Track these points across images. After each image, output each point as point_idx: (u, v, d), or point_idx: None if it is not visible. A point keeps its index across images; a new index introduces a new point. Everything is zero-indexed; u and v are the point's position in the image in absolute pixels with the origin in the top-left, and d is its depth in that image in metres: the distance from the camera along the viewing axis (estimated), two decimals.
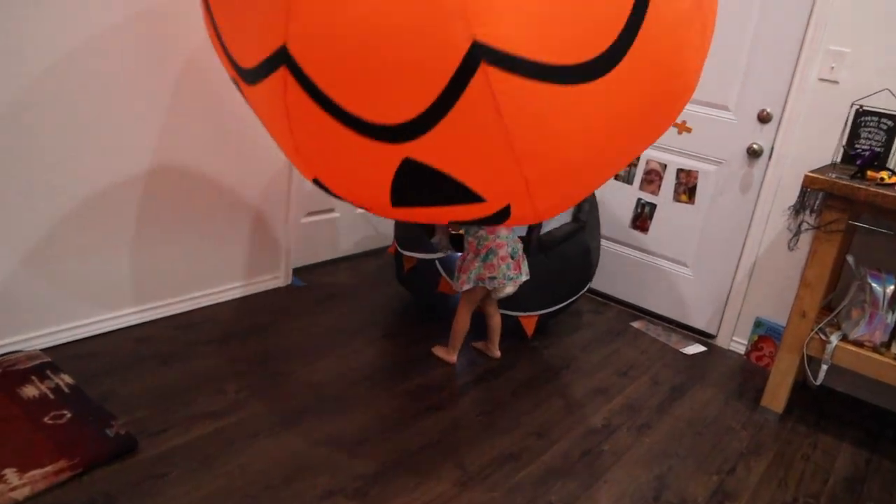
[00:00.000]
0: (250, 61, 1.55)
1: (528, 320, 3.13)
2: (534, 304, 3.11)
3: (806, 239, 3.20)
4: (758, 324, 3.46)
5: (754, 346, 3.48)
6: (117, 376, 2.46)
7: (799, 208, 3.05)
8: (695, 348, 3.53)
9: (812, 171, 2.73)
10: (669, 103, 1.65)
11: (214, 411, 2.37)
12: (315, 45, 1.38)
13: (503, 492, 2.21)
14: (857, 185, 2.60)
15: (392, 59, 1.34)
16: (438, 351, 3.00)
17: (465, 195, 1.58)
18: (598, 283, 3.95)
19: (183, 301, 3.02)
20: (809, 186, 2.71)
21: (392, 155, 1.50)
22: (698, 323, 3.67)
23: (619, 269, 3.89)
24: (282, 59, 1.44)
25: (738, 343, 3.55)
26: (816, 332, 2.82)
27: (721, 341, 3.59)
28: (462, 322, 2.92)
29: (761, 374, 3.30)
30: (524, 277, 2.82)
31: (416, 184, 1.57)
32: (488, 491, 2.21)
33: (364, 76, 1.37)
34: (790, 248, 3.24)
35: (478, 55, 1.28)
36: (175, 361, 2.63)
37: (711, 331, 3.63)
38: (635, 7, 1.38)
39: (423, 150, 1.46)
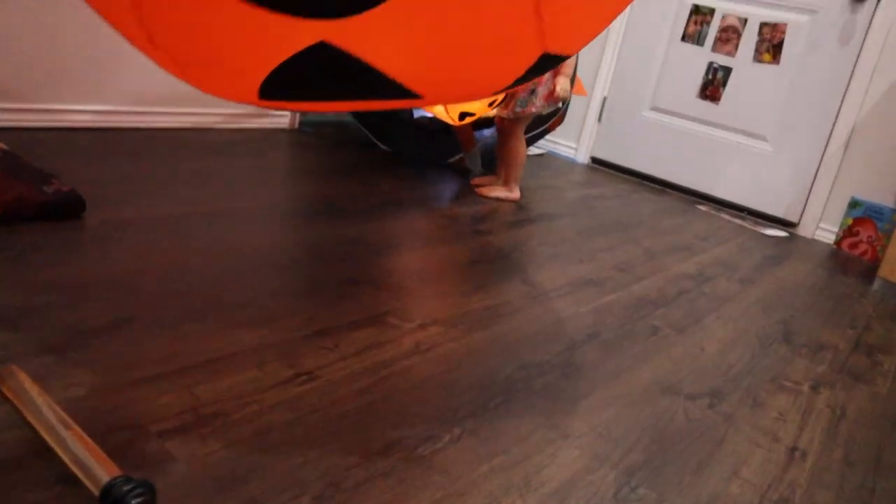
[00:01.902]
0: None
1: None
2: None
3: None
4: (854, 204, 2.88)
5: (848, 232, 2.89)
6: (73, 159, 1.83)
7: None
8: (775, 231, 2.94)
9: None
10: None
11: (194, 197, 1.75)
12: None
13: (590, 309, 1.61)
14: None
15: None
16: (494, 190, 2.39)
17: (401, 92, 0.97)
18: (655, 165, 3.36)
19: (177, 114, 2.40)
20: None
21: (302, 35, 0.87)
22: (776, 210, 3.08)
23: (680, 150, 3.29)
24: None
25: (825, 231, 2.96)
26: None
27: (804, 229, 3.01)
28: (523, 150, 2.34)
29: (859, 262, 2.72)
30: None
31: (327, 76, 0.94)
32: (571, 306, 1.60)
33: None
34: None
35: None
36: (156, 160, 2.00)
37: (793, 218, 3.04)
38: None
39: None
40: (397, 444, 0.97)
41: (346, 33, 0.88)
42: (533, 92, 2.23)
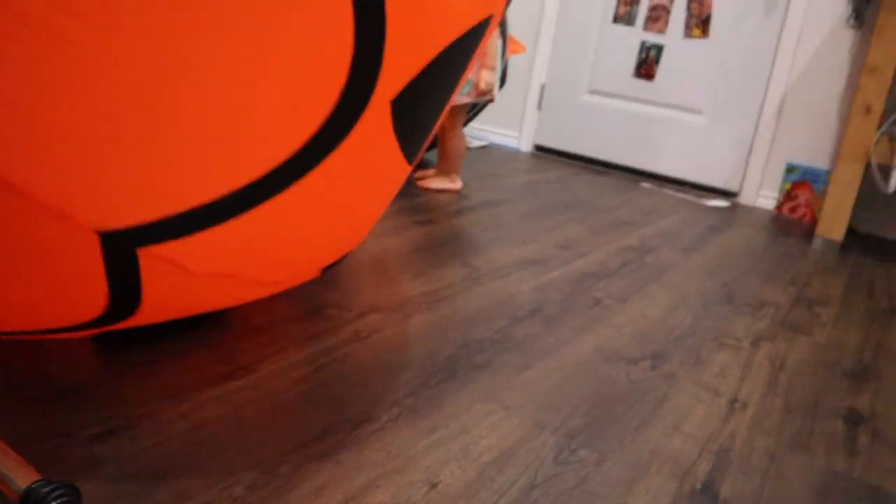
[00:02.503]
0: None
1: None
2: None
3: (842, 40, 2.71)
4: (790, 169, 2.95)
5: (787, 196, 2.96)
6: None
7: None
8: (717, 201, 3.00)
9: None
10: None
11: None
12: None
13: (531, 287, 1.62)
14: None
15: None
16: (435, 182, 2.39)
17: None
18: (596, 147, 3.39)
19: None
20: None
21: None
22: (717, 181, 3.14)
23: (619, 129, 3.33)
24: None
25: (766, 198, 3.03)
26: (884, 133, 2.31)
27: (746, 198, 3.07)
28: (462, 140, 2.35)
29: (799, 226, 2.78)
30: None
31: None
32: (513, 285, 1.61)
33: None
34: (851, 27, 2.67)
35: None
36: None
37: (733, 188, 3.10)
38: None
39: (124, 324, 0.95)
40: (334, 428, 0.96)
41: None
42: (468, 82, 2.24)
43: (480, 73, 2.22)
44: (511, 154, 3.41)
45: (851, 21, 2.63)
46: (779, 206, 2.98)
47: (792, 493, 0.97)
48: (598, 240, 2.10)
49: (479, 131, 3.66)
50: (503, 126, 3.61)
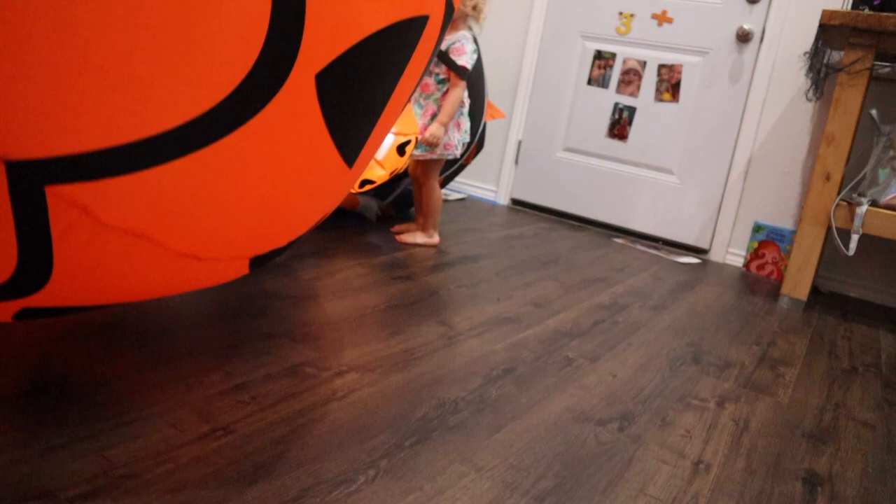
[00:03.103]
0: None
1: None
2: None
3: (805, 112, 2.84)
4: (757, 228, 3.06)
5: (754, 254, 3.06)
6: None
7: (814, 53, 2.67)
8: (688, 258, 3.09)
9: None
10: None
11: None
12: None
13: (505, 346, 1.67)
14: (885, 14, 2.25)
15: None
16: (412, 237, 2.45)
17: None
18: (572, 203, 3.49)
19: None
20: (829, 22, 2.34)
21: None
22: (688, 238, 3.23)
23: (594, 187, 3.43)
24: None
25: (734, 255, 3.13)
26: (843, 199, 2.42)
27: (715, 255, 3.17)
28: (438, 194, 2.43)
29: (766, 283, 2.88)
30: (467, 137, 2.42)
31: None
32: (487, 344, 1.66)
33: None
34: (809, 99, 2.81)
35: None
36: None
37: (703, 245, 3.20)
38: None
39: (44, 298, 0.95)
40: (312, 490, 0.99)
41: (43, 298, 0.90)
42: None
43: (430, 126, 2.30)
44: (488, 208, 3.49)
45: (810, 94, 2.77)
46: (747, 264, 3.08)
47: None
48: (571, 298, 2.16)
49: (458, 184, 3.74)
50: (481, 180, 3.70)
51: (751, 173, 3.06)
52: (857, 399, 1.72)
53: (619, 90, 3.33)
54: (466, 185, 3.73)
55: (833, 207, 2.41)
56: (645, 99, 3.27)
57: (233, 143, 0.87)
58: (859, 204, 2.37)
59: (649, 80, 3.25)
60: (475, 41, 2.43)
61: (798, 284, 2.51)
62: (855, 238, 2.39)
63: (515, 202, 3.67)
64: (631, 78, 3.30)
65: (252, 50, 0.81)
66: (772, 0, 2.94)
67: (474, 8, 2.31)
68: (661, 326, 2.04)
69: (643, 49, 3.26)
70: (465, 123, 2.41)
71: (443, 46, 2.31)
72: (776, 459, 1.33)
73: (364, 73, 0.98)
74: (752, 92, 3.02)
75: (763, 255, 3.04)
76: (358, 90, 0.99)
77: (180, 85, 0.78)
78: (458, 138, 2.38)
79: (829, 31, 2.41)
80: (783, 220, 2.99)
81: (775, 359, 1.92)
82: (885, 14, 2.25)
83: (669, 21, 3.19)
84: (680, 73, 3.19)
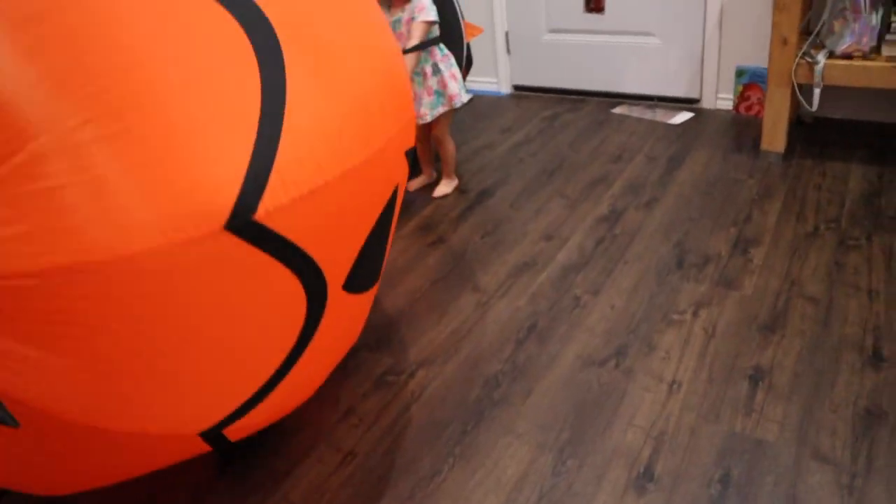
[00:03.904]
0: None
1: None
2: None
3: None
4: (739, 72, 3.31)
5: (741, 97, 3.34)
6: None
7: None
8: (682, 116, 3.39)
9: None
10: None
11: None
12: None
13: (527, 299, 2.16)
14: None
15: None
16: (441, 190, 2.86)
17: None
18: (568, 79, 3.76)
19: None
20: None
21: None
22: (679, 91, 3.51)
23: (584, 60, 3.68)
24: None
25: (724, 99, 3.41)
26: (801, 57, 2.67)
27: (707, 102, 3.45)
28: (453, 145, 2.82)
29: (754, 122, 3.19)
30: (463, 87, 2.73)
31: None
32: (513, 302, 2.16)
33: None
34: None
35: None
36: None
37: (694, 95, 3.48)
38: None
39: None
40: (418, 486, 1.57)
41: None
42: (442, 94, 2.64)
43: (448, 84, 2.62)
44: (494, 102, 3.80)
45: None
46: (736, 107, 3.37)
47: (701, 460, 1.56)
48: (575, 217, 2.59)
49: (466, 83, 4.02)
50: (482, 75, 3.97)
51: (725, 22, 3.25)
52: (810, 270, 2.16)
53: None
54: (472, 81, 4.01)
55: (794, 68, 2.67)
56: None
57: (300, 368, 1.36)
58: (816, 63, 2.62)
59: None
60: None
61: (774, 139, 2.85)
62: (817, 92, 2.67)
63: (517, 88, 3.95)
64: None
65: (295, 327, 1.26)
66: None
67: None
68: (652, 228, 2.47)
69: None
70: (459, 73, 2.70)
71: (406, 19, 2.54)
72: (732, 362, 1.83)
73: (375, 255, 1.41)
74: None
75: (749, 97, 3.32)
76: (369, 262, 1.43)
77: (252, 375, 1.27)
78: (457, 87, 2.68)
79: None
80: (763, 60, 3.22)
81: (748, 239, 2.35)
82: None
83: None
84: None
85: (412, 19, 2.53)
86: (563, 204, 2.70)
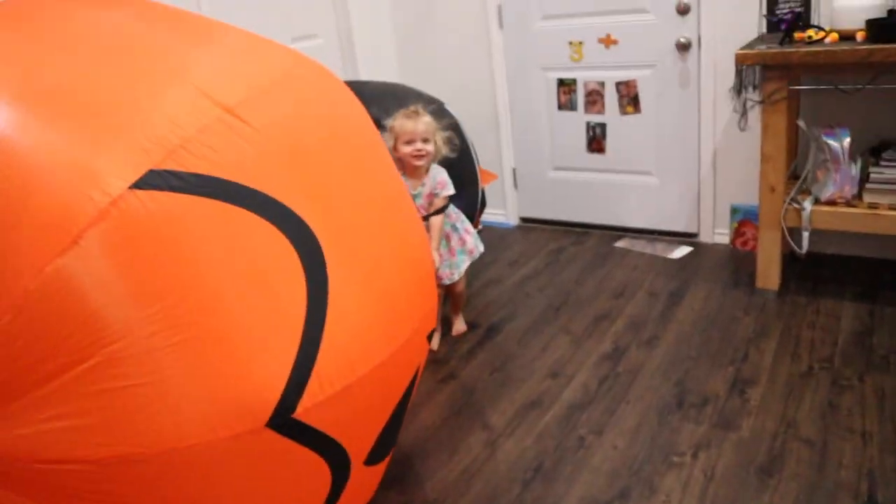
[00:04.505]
0: None
1: None
2: None
3: (755, 116, 3.23)
4: (734, 210, 3.50)
5: (737, 233, 3.52)
6: None
7: (739, 88, 3.06)
8: (681, 251, 3.57)
9: (742, 49, 2.74)
10: None
11: None
12: None
13: (533, 439, 2.25)
14: (789, 50, 2.62)
15: None
16: (458, 327, 2.98)
17: None
18: (572, 213, 3.97)
19: None
20: (743, 63, 2.73)
21: None
22: (678, 226, 3.70)
23: (588, 196, 3.90)
24: None
25: (721, 234, 3.60)
26: (789, 203, 2.86)
27: (704, 237, 3.64)
28: (464, 285, 2.95)
29: (750, 257, 3.35)
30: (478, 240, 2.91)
31: None
32: (520, 441, 2.24)
33: None
34: (741, 129, 3.26)
35: None
36: None
37: (693, 230, 3.67)
38: None
39: None
40: None
41: None
42: (463, 251, 2.80)
43: (466, 240, 2.80)
44: (502, 233, 4.01)
45: (742, 124, 3.19)
46: (732, 241, 3.55)
47: None
48: (580, 354, 2.71)
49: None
50: (492, 207, 4.20)
51: (718, 163, 3.48)
52: (805, 412, 2.25)
53: (587, 110, 3.75)
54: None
55: (782, 213, 2.86)
56: (611, 114, 3.68)
57: None
58: (803, 209, 2.81)
59: (611, 97, 3.65)
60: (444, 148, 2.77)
61: (768, 278, 3.00)
62: (806, 235, 2.85)
63: (524, 220, 4.17)
64: (595, 98, 3.71)
65: (319, 501, 1.36)
66: (700, 11, 3.28)
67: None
68: (654, 366, 2.58)
69: (598, 71, 3.65)
70: (471, 226, 2.88)
71: (426, 193, 2.69)
72: None
73: (392, 427, 1.53)
74: (702, 93, 3.40)
75: (744, 233, 3.51)
76: (389, 437, 1.54)
77: None
78: (473, 241, 2.84)
79: (746, 71, 2.79)
80: (755, 198, 3.42)
81: (745, 380, 2.45)
82: (789, 51, 2.62)
83: (615, 42, 3.56)
84: (636, 87, 3.57)
85: (434, 195, 2.67)
86: (569, 340, 2.82)
